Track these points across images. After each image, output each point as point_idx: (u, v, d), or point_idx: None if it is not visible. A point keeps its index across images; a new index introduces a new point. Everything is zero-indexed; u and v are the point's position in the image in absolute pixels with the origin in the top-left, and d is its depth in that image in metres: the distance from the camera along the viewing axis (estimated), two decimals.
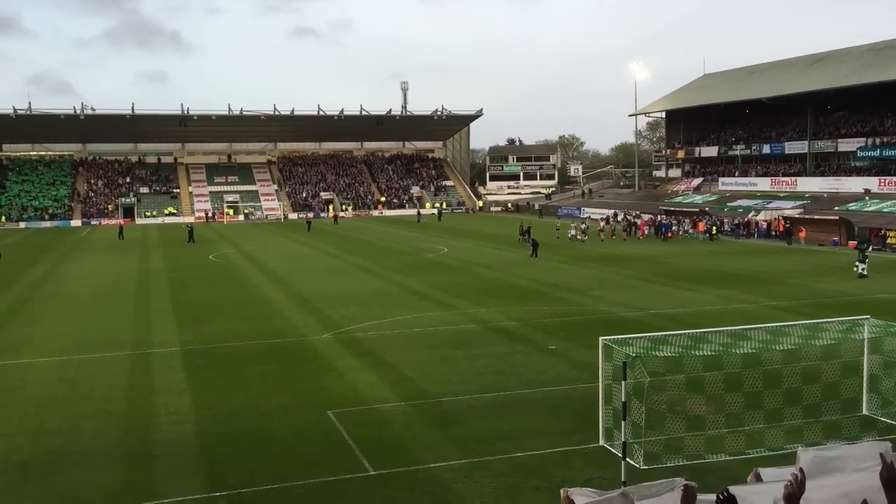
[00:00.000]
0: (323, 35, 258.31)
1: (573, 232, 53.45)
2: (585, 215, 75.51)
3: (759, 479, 6.10)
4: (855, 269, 35.10)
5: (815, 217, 54.56)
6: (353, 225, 77.53)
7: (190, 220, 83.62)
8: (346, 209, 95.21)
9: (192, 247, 54.78)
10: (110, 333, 24.85)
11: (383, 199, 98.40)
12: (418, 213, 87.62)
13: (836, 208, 59.02)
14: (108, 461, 13.83)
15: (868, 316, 15.60)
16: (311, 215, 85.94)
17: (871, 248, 36.54)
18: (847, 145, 70.27)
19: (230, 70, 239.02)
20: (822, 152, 73.71)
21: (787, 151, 77.13)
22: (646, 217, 62.78)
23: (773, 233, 54.69)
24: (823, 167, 73.66)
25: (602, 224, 59.04)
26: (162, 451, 14.26)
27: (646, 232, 57.93)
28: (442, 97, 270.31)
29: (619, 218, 66.13)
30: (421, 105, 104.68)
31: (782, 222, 54.68)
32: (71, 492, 12.32)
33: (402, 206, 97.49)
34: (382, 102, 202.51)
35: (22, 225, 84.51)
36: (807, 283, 33.23)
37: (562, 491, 3.36)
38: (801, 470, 4.14)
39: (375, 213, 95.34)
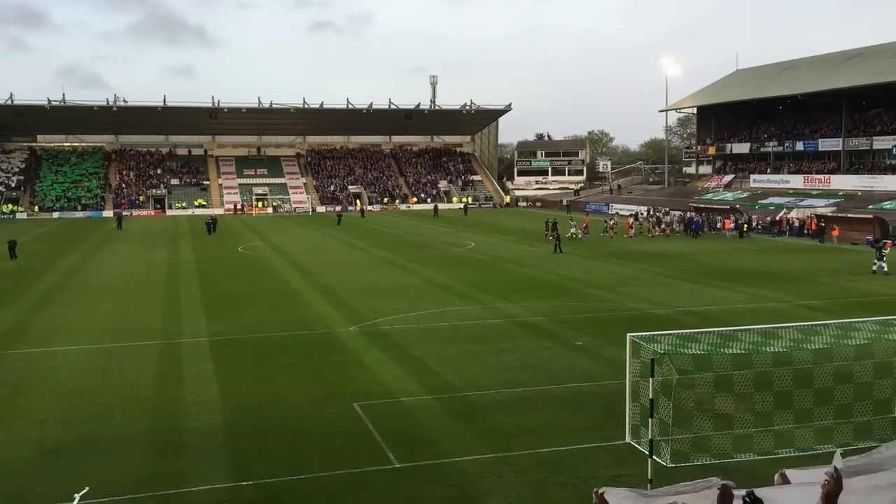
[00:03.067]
0: (343, 29, 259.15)
1: (573, 230, 52.28)
2: (613, 212, 75.03)
3: (785, 479, 6.02)
4: (873, 265, 34.81)
5: (849, 215, 53.73)
6: (380, 218, 77.72)
7: (215, 211, 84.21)
8: (389, 202, 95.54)
9: (221, 239, 55.24)
10: (141, 322, 25.16)
11: (415, 198, 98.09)
12: (435, 206, 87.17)
13: (871, 207, 58.09)
14: (138, 449, 14.01)
15: None
16: (349, 208, 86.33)
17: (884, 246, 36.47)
18: (882, 143, 69.09)
19: (254, 64, 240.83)
20: (857, 150, 72.57)
21: (820, 149, 76.04)
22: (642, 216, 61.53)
23: (806, 231, 53.92)
24: (858, 165, 72.51)
25: (630, 220, 58.58)
26: (190, 440, 14.40)
27: (632, 233, 55.17)
28: (466, 92, 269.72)
29: (648, 215, 65.58)
30: (444, 99, 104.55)
31: (815, 220, 53.92)
32: (101, 478, 12.48)
33: (424, 201, 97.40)
34: (405, 97, 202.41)
35: (55, 215, 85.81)
36: (839, 281, 32.74)
37: (594, 493, 3.32)
38: (835, 468, 4.06)
39: (403, 206, 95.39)
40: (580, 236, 52.12)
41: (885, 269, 34.45)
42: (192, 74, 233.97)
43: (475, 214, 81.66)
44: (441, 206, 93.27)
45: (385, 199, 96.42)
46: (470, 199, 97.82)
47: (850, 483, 4.07)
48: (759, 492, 4.65)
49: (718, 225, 57.43)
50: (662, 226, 57.31)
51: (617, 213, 70.91)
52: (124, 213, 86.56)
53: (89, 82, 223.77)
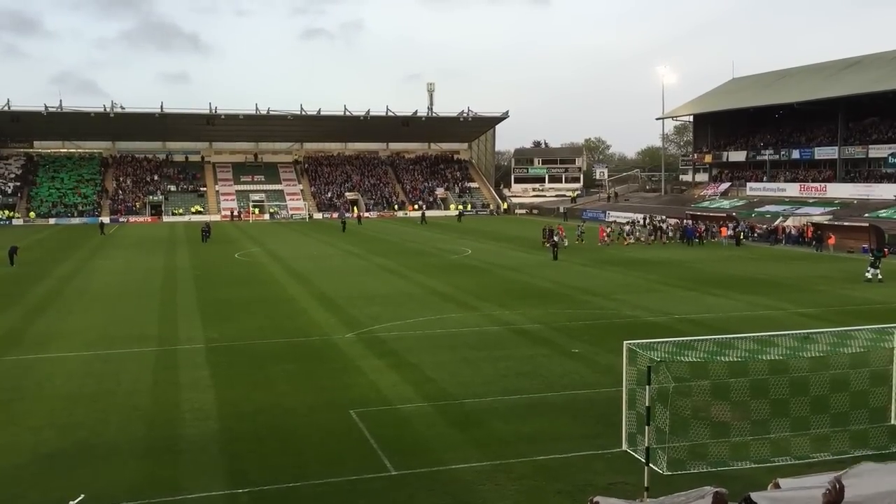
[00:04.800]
0: (335, 36, 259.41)
1: (556, 238, 51.93)
2: (611, 219, 75.11)
3: (777, 489, 6.03)
4: (866, 273, 34.96)
5: (845, 224, 53.84)
6: (377, 225, 77.74)
7: (212, 218, 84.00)
8: (398, 209, 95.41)
9: (217, 245, 55.18)
10: (137, 329, 25.12)
11: (416, 206, 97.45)
12: (422, 214, 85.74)
13: (867, 215, 58.22)
14: (133, 455, 13.97)
15: None
16: (346, 214, 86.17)
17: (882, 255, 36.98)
18: (878, 151, 69.29)
19: (248, 71, 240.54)
20: (853, 158, 72.76)
21: (816, 157, 76.23)
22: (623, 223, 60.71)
23: (803, 239, 53.95)
24: (854, 173, 72.70)
25: (627, 228, 58.53)
26: (186, 447, 14.37)
27: (606, 239, 54.33)
28: (462, 100, 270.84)
29: (645, 223, 65.56)
30: (440, 107, 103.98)
31: (810, 228, 54.04)
32: (96, 485, 12.45)
33: (422, 208, 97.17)
34: (400, 104, 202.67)
35: (51, 221, 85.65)
36: (835, 289, 32.79)
37: (589, 501, 3.32)
38: (837, 479, 4.04)
39: (401, 213, 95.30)
40: (566, 244, 51.86)
41: (880, 277, 34.57)
42: (187, 81, 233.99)
43: (472, 222, 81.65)
44: (437, 213, 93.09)
45: (396, 207, 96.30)
46: (469, 205, 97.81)
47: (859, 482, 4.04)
48: (755, 496, 4.65)
49: (715, 229, 57.40)
50: (636, 234, 57.27)
51: (615, 221, 70.90)
52: (120, 219, 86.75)
53: (84, 89, 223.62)
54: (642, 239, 56.41)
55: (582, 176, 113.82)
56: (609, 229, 57.69)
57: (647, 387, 12.45)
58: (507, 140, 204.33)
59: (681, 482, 11.50)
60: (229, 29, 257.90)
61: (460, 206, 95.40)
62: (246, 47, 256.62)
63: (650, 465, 12.27)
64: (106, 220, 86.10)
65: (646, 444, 12.34)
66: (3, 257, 43.38)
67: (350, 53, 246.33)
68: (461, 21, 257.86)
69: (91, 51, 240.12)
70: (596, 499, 3.93)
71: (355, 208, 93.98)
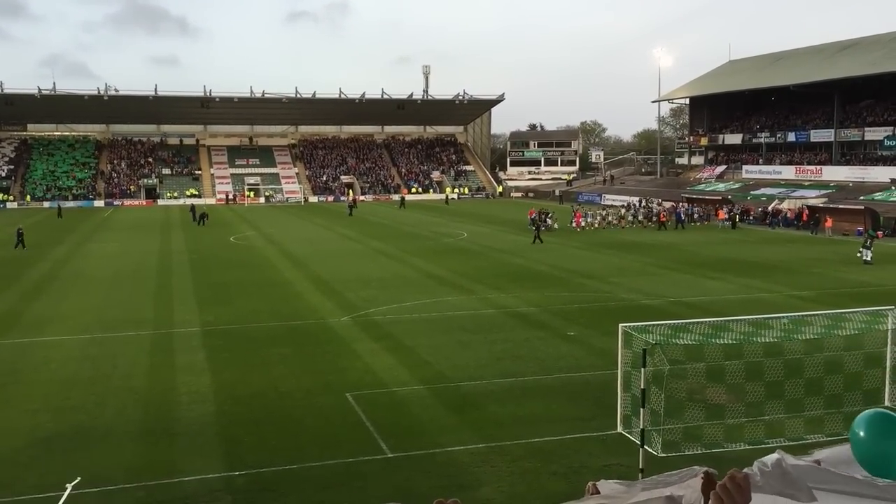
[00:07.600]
0: (321, 19, 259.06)
1: (549, 222, 51.85)
2: (608, 202, 75.10)
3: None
4: (859, 255, 35.45)
5: (840, 206, 53.91)
6: (372, 209, 77.61)
7: (206, 201, 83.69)
8: (400, 190, 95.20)
9: (213, 229, 55.04)
10: (132, 312, 25.10)
11: (414, 188, 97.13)
12: (402, 198, 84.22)
13: (862, 198, 58.27)
14: (130, 438, 14.00)
15: (893, 306, 15.39)
16: (342, 198, 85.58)
17: (876, 237, 37.51)
18: (874, 134, 69.23)
19: (237, 53, 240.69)
20: (849, 141, 72.71)
21: (812, 139, 76.17)
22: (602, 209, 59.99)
23: (798, 222, 53.99)
24: (849, 156, 72.67)
25: (622, 212, 58.53)
26: (182, 430, 14.41)
27: (582, 224, 53.10)
28: (454, 83, 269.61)
29: (641, 205, 65.53)
30: (432, 90, 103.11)
31: (805, 211, 54.12)
32: (93, 467, 12.47)
33: (418, 192, 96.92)
34: (389, 87, 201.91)
35: (46, 204, 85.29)
36: (830, 272, 32.88)
37: (589, 485, 3.30)
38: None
39: (396, 196, 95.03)
40: (556, 227, 51.75)
41: (869, 258, 34.88)
42: (177, 65, 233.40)
43: (467, 205, 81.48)
44: (428, 196, 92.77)
45: (391, 190, 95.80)
46: (465, 189, 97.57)
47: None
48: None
49: (697, 216, 57.52)
50: (630, 218, 57.18)
51: (598, 206, 70.83)
52: (115, 202, 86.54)
53: (75, 71, 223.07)
54: (638, 220, 56.32)
55: (578, 159, 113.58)
56: (604, 213, 57.56)
57: (642, 369, 12.50)
58: (503, 123, 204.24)
59: (676, 464, 11.54)
60: (217, 12, 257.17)
61: (447, 190, 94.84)
62: (234, 31, 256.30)
63: (645, 447, 12.33)
64: (110, 203, 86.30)
65: (641, 427, 12.39)
66: (10, 238, 43.18)
67: (337, 36, 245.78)
68: (451, 3, 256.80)
69: (79, 34, 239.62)
70: (596, 483, 3.91)
71: (350, 191, 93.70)
